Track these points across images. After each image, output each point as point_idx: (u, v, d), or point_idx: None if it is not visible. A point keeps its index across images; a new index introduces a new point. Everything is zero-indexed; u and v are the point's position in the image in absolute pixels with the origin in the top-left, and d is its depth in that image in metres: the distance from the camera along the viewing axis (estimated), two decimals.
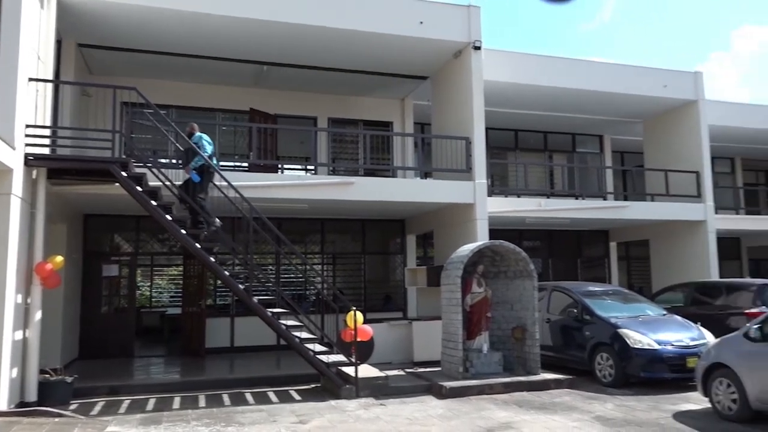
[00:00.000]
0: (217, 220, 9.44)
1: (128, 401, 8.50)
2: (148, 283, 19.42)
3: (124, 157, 9.08)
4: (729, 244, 20.53)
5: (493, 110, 14.83)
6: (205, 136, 9.76)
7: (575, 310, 10.43)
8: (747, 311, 10.46)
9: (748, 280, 13.45)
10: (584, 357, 9.99)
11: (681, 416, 7.37)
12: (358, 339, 9.14)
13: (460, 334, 9.42)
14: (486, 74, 12.54)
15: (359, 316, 9.28)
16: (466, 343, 9.78)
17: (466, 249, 9.92)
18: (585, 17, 73.61)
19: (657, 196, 15.92)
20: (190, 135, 9.69)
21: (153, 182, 9.27)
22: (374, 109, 15.21)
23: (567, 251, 18.39)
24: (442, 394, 8.69)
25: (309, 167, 15.13)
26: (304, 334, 9.40)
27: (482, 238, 11.47)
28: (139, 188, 8.79)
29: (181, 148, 9.97)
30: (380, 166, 14.59)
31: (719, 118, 16.92)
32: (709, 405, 7.45)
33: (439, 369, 9.99)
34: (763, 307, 10.28)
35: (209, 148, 9.67)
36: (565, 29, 74.33)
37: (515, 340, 10.00)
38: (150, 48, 11.82)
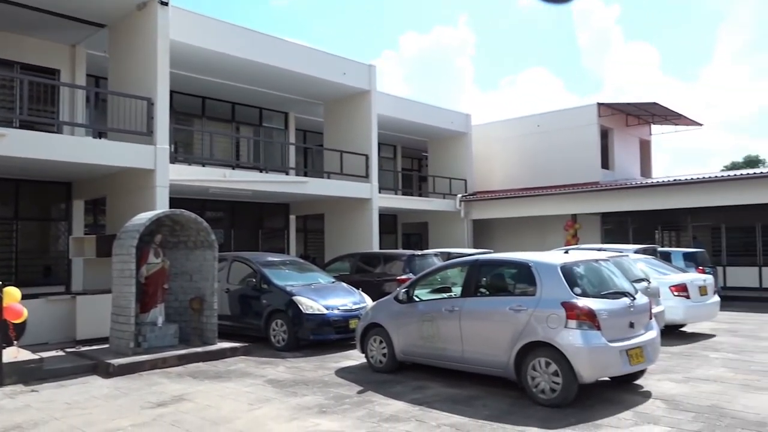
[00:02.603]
0: None
1: None
2: None
3: None
4: (388, 220, 23.59)
5: (180, 73, 14.17)
6: None
7: (254, 280, 10.71)
8: (398, 278, 12.16)
9: (400, 251, 15.60)
10: (261, 324, 10.36)
11: (342, 372, 8.22)
12: (10, 320, 7.84)
13: (133, 307, 8.83)
14: (173, 34, 11.88)
15: (15, 292, 7.97)
16: (140, 316, 9.25)
17: (143, 217, 9.30)
18: None
19: (333, 174, 17.30)
20: None
21: None
22: (37, 53, 13.02)
23: (249, 223, 18.77)
24: (109, 372, 8.04)
25: None
26: None
27: (162, 207, 10.91)
28: None
29: None
30: (42, 119, 12.60)
31: (386, 109, 19.19)
32: (365, 360, 8.46)
33: (107, 346, 9.22)
34: (411, 274, 12.05)
35: None
36: (256, 2, 74.85)
37: (193, 311, 9.80)
38: None
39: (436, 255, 13.69)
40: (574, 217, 20.43)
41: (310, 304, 9.89)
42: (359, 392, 7.03)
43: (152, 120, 11.31)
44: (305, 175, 17.85)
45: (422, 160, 27.35)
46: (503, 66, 79.18)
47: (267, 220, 19.42)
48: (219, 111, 17.95)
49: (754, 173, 17.45)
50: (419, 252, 13.81)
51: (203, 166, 14.57)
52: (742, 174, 17.68)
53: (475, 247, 21.04)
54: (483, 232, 23.45)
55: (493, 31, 76.89)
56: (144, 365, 8.36)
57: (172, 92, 11.95)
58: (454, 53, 74.40)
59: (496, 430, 5.50)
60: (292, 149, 19.19)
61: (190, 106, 17.01)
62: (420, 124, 21.63)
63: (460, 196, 22.48)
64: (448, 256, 14.12)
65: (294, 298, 9.99)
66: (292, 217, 19.90)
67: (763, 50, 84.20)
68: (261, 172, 16.31)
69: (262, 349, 9.92)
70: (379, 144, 19.12)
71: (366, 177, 17.54)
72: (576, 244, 18.85)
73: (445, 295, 7.74)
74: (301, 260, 13.09)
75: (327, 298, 10.30)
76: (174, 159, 13.84)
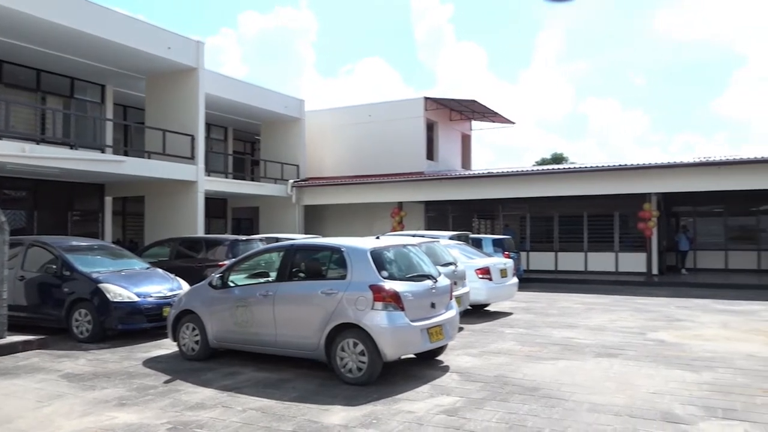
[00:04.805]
0: None
1: None
2: None
3: None
4: (218, 204, 22.88)
5: None
6: None
7: (55, 266, 9.78)
8: (221, 263, 11.81)
9: (223, 236, 15.15)
10: (62, 315, 9.50)
11: (150, 362, 7.83)
12: None
13: None
14: None
15: None
16: None
17: None
18: None
19: (154, 154, 16.31)
20: None
21: None
22: None
23: (57, 204, 17.09)
24: None
25: None
26: None
27: None
28: None
29: None
30: None
31: (216, 89, 18.50)
32: (177, 349, 8.14)
33: None
34: (234, 259, 11.79)
35: None
36: None
37: None
38: None
39: (261, 240, 13.52)
40: (401, 204, 21.38)
41: (118, 292, 9.27)
42: (166, 382, 6.76)
43: None
44: (125, 153, 16.59)
45: (255, 144, 26.80)
46: (343, 54, 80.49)
47: (78, 202, 17.79)
48: (20, 78, 16.03)
49: (554, 169, 19.59)
50: (243, 237, 13.55)
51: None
52: (545, 169, 19.75)
53: (306, 233, 21.15)
54: (315, 217, 23.65)
55: (335, 17, 77.84)
56: None
57: None
58: (295, 36, 73.82)
59: (301, 410, 5.62)
60: (108, 125, 17.73)
61: None
62: (252, 106, 21.15)
63: (291, 181, 22.43)
64: (276, 241, 14.00)
65: (100, 285, 9.28)
66: (108, 199, 18.45)
67: (574, 60, 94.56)
68: (71, 148, 14.84)
69: (62, 341, 9.12)
70: (209, 125, 18.41)
71: (192, 158, 16.80)
72: (402, 230, 19.77)
73: (261, 280, 7.70)
74: (113, 245, 12.22)
75: (139, 285, 9.72)
76: None
